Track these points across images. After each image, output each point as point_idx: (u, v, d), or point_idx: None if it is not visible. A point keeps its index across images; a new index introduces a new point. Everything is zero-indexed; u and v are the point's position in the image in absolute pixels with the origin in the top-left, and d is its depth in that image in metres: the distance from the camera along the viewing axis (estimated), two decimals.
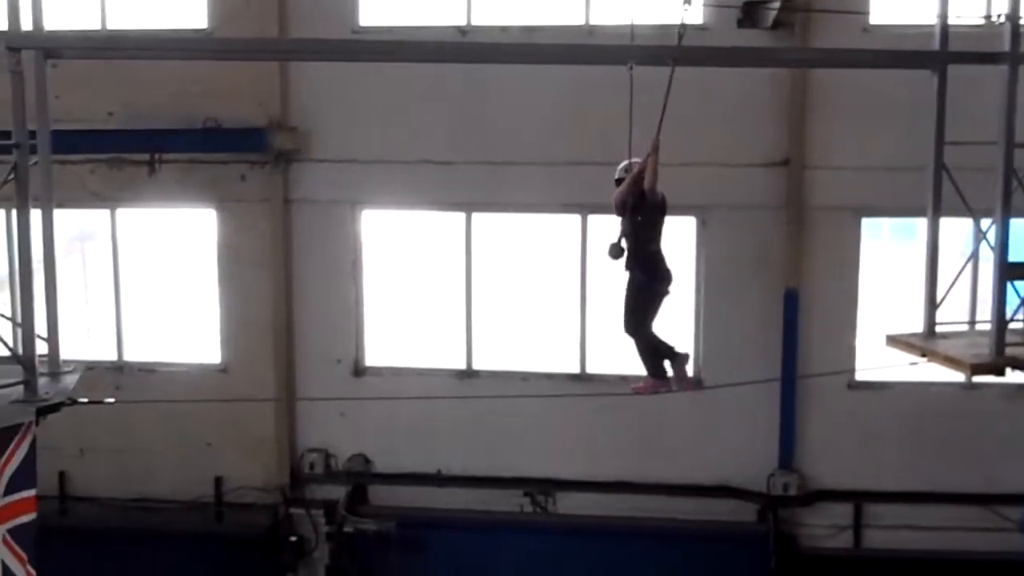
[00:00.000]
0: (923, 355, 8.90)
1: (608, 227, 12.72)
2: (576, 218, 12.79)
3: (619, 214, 8.74)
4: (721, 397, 12.28)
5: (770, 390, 12.37)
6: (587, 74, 11.34)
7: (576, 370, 12.97)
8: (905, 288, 12.73)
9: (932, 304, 9.08)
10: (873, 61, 9.92)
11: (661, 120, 8.28)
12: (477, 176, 12.63)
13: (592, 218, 12.72)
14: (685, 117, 12.24)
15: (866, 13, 12.04)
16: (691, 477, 12.87)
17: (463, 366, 13.08)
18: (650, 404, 12.42)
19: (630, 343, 8.94)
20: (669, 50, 8.38)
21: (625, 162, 8.92)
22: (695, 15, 12.31)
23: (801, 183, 12.38)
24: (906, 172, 11.75)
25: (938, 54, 8.91)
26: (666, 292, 8.80)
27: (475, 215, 12.96)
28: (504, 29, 12.52)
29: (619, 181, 8.91)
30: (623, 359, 12.77)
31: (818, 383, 12.27)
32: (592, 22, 12.46)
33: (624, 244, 8.64)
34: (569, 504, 13.16)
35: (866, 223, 12.59)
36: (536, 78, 11.69)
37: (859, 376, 12.52)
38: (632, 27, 9.82)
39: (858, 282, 12.56)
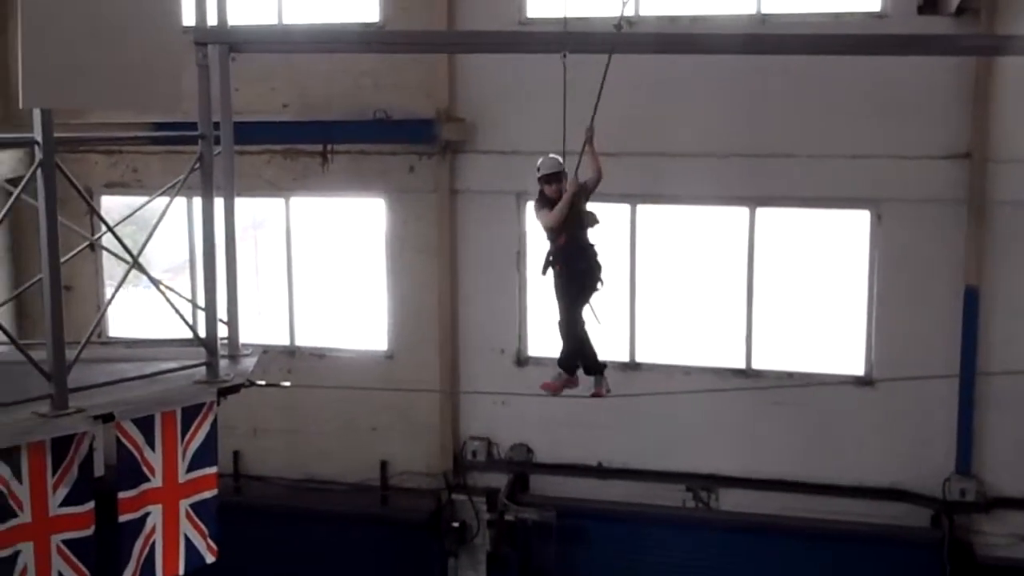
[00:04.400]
0: None
1: (775, 221, 12.59)
2: (744, 211, 12.54)
3: (551, 220, 8.60)
4: (895, 397, 11.91)
5: (948, 392, 11.88)
6: (754, 63, 11.11)
7: (741, 365, 12.73)
8: None
9: None
10: None
11: (595, 109, 8.20)
12: (642, 167, 12.44)
13: (760, 211, 12.48)
14: (860, 108, 12.00)
15: None
16: (860, 478, 12.46)
17: (626, 358, 12.97)
18: (817, 401, 12.17)
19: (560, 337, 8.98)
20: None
21: (553, 157, 8.75)
22: (872, 3, 11.95)
23: (984, 176, 11.80)
24: None
25: None
26: (600, 282, 8.75)
27: (639, 207, 12.83)
28: (673, 19, 12.36)
29: (545, 178, 8.71)
30: (790, 354, 12.60)
31: (1000, 386, 11.72)
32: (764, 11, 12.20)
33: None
34: (732, 501, 12.91)
35: None
36: (703, 67, 11.51)
37: None
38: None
39: None
